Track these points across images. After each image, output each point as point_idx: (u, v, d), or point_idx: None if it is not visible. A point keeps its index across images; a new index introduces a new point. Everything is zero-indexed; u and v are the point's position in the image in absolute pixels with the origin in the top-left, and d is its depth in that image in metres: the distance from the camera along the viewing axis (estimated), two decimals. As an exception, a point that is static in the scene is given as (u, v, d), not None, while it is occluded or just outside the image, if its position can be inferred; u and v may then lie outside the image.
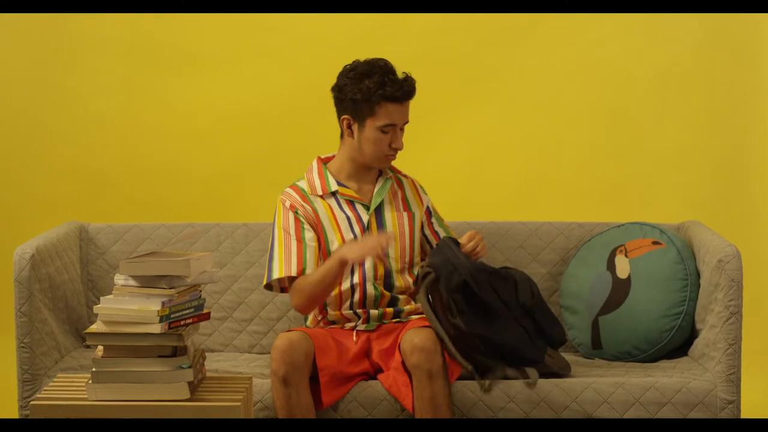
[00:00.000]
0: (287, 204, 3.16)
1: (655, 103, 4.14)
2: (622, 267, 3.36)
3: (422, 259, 3.25)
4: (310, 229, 3.13)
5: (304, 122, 4.15)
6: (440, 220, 3.31)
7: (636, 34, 4.09)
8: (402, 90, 3.08)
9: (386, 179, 3.23)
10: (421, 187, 3.33)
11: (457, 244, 3.02)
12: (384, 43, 3.94)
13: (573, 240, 3.55)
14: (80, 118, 4.19)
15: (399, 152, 3.18)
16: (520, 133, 4.19)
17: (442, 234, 3.26)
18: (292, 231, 3.12)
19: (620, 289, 3.34)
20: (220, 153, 4.20)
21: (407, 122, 3.16)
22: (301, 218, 3.14)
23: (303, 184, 3.21)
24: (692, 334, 3.33)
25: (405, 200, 3.26)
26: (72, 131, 4.19)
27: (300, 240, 3.12)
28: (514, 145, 4.18)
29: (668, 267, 3.30)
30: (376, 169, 3.23)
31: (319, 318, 3.24)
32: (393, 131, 3.12)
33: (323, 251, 3.14)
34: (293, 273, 3.08)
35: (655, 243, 3.35)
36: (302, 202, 3.17)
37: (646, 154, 4.14)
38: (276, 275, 3.09)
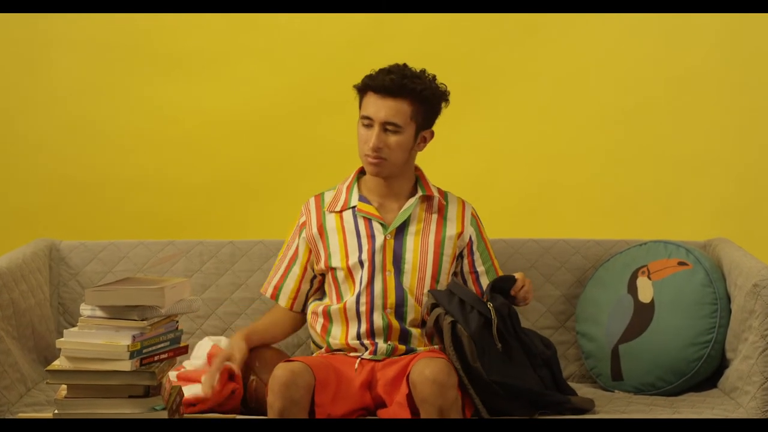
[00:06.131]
0: (301, 221, 3.19)
1: (677, 108, 4.03)
2: (645, 290, 3.27)
3: None
4: (305, 253, 3.16)
5: (297, 129, 4.05)
6: (486, 257, 3.18)
7: (655, 35, 4.01)
8: (382, 80, 3.02)
9: (416, 198, 3.12)
10: (474, 215, 3.20)
11: (512, 281, 2.99)
12: (382, 45, 3.91)
13: (590, 259, 3.46)
14: (54, 124, 4.06)
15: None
16: (531, 142, 4.07)
17: (481, 273, 3.16)
18: (291, 252, 3.19)
19: (643, 314, 3.24)
20: (205, 162, 4.09)
21: (390, 123, 3.04)
22: (302, 242, 3.17)
23: (329, 195, 3.18)
24: (722, 364, 3.23)
25: (442, 222, 3.14)
26: (44, 138, 4.07)
27: (288, 267, 3.19)
28: (525, 155, 4.07)
29: (696, 290, 3.21)
30: (405, 184, 3.13)
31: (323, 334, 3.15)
32: (371, 127, 3.04)
33: (325, 265, 3.11)
34: (267, 294, 3.22)
35: (681, 263, 3.27)
36: (314, 217, 3.16)
37: (669, 164, 4.04)
38: (263, 286, 3.25)
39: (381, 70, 3.05)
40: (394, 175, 3.08)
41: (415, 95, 3.03)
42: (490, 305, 2.89)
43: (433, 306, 2.92)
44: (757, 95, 3.99)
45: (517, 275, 3.00)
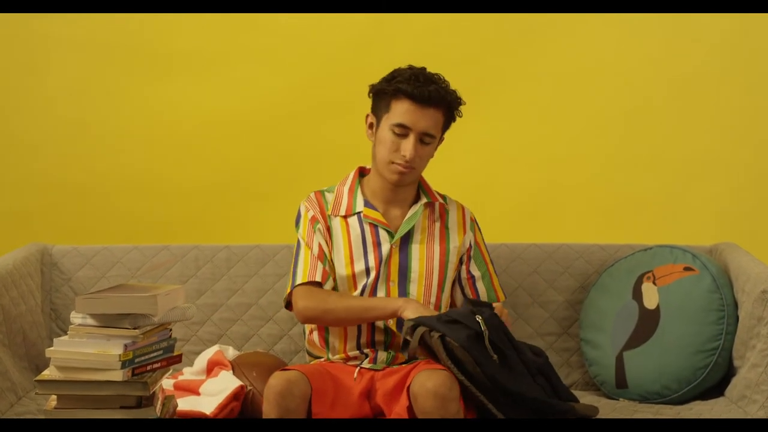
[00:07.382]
0: (310, 215, 3.07)
1: (682, 109, 3.99)
2: (650, 296, 3.25)
3: (452, 305, 3.11)
4: (326, 245, 3.04)
5: (296, 130, 4.02)
6: (482, 262, 3.12)
7: (657, 35, 3.98)
8: (426, 90, 2.93)
9: (420, 205, 3.06)
10: (473, 220, 3.15)
11: (490, 306, 2.86)
12: (382, 45, 3.89)
13: (594, 264, 3.44)
14: (48, 126, 4.03)
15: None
16: (533, 145, 4.03)
17: (477, 278, 3.10)
18: (315, 249, 3.03)
19: (648, 320, 3.22)
20: (201, 165, 4.05)
21: (427, 134, 2.97)
22: (320, 233, 3.05)
23: (330, 197, 3.10)
24: (729, 372, 3.20)
25: (445, 231, 3.09)
26: (38, 140, 4.03)
27: (321, 257, 3.04)
28: (526, 158, 4.04)
29: (702, 296, 3.18)
30: (410, 190, 3.07)
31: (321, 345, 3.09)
32: (406, 136, 2.96)
33: (329, 265, 3.06)
34: (317, 278, 2.99)
35: (687, 269, 3.25)
36: (320, 215, 3.07)
37: (674, 166, 4.00)
38: (300, 280, 2.99)
39: (412, 76, 2.95)
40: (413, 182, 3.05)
41: (446, 105, 2.98)
42: (478, 318, 2.79)
43: (415, 327, 2.80)
44: (762, 96, 3.96)
45: (495, 305, 2.90)
